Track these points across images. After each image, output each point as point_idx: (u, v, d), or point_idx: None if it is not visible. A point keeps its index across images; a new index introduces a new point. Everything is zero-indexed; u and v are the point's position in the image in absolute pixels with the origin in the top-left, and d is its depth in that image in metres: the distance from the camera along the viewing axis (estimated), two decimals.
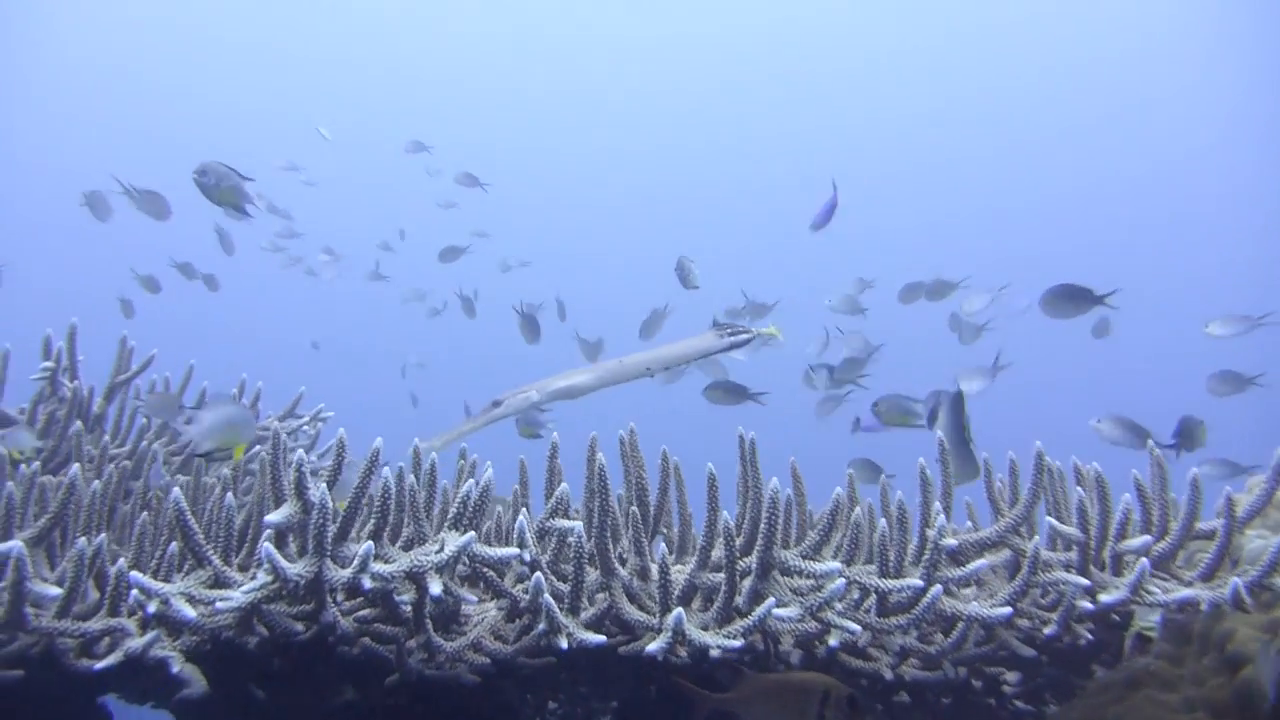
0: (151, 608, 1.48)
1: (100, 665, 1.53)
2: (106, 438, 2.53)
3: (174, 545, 1.72)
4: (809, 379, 4.78)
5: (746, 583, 1.77)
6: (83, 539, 1.60)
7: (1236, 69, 16.74)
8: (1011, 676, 2.16)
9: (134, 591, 1.50)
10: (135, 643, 1.53)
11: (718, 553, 1.91)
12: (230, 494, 1.73)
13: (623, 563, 1.89)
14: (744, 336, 2.96)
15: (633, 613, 1.77)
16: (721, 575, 1.86)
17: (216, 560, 1.62)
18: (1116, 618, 2.01)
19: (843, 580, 1.62)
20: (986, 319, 5.28)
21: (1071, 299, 3.94)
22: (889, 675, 1.91)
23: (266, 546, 1.47)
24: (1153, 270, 18.11)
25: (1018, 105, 19.44)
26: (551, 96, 21.86)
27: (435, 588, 1.52)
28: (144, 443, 2.48)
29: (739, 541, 1.78)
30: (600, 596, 1.82)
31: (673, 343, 3.00)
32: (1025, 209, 19.91)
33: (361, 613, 1.80)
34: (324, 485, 1.55)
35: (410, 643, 1.79)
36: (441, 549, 1.60)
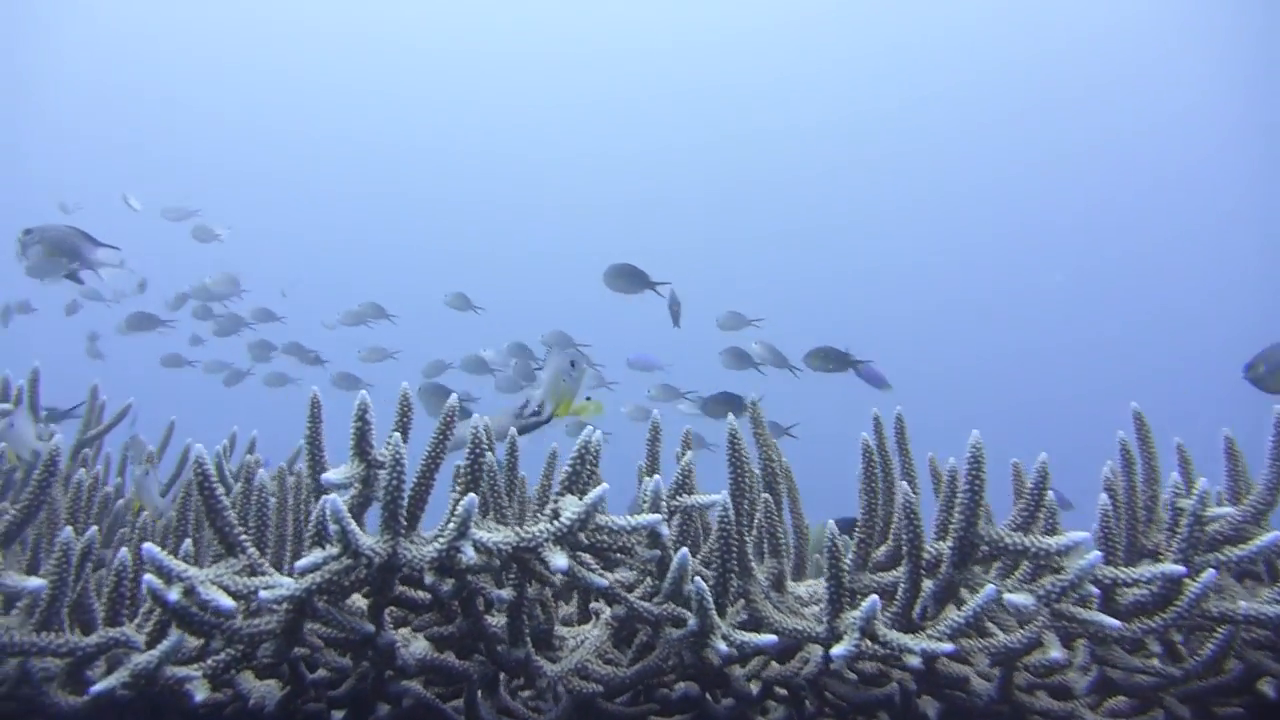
0: (173, 595, 1.06)
1: (97, 688, 1.10)
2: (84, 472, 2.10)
3: (188, 543, 1.31)
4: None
5: (928, 583, 1.38)
6: (69, 528, 1.19)
7: (1212, 73, 16.89)
8: None
9: (147, 578, 1.08)
10: (144, 658, 1.10)
11: (878, 552, 1.53)
12: (264, 471, 1.33)
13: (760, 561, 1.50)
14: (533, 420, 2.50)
15: (784, 619, 1.37)
16: (883, 577, 1.48)
17: (252, 548, 1.21)
18: None
19: (1098, 554, 1.22)
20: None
21: (629, 278, 4.06)
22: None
23: (331, 500, 1.06)
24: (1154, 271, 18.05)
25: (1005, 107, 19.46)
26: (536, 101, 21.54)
27: (560, 560, 1.11)
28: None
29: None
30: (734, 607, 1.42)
31: None
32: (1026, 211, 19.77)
33: (430, 629, 1.37)
34: (397, 437, 1.16)
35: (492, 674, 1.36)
36: (549, 520, 1.21)
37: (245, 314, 5.72)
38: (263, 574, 1.17)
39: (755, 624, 1.39)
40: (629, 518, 1.19)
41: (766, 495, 1.51)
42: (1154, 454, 1.61)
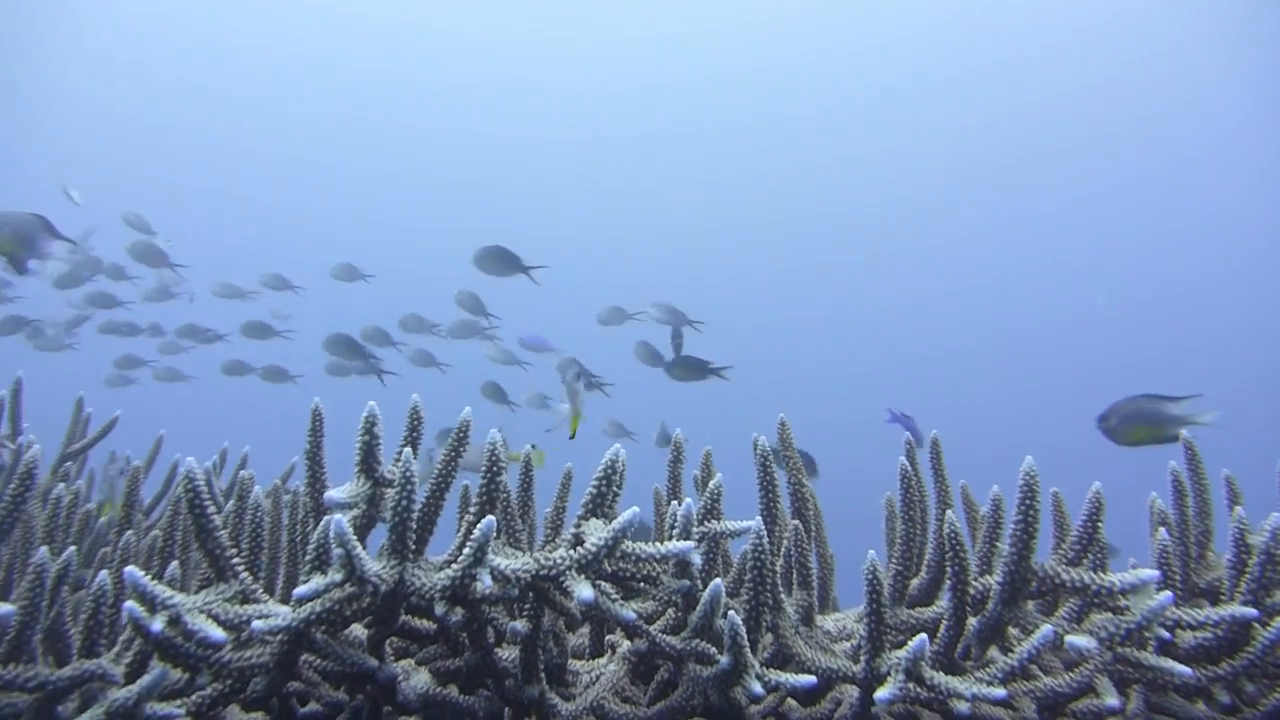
0: (157, 625, 0.96)
1: None
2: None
3: (174, 565, 1.20)
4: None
5: (972, 621, 1.28)
6: (44, 549, 1.08)
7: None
8: None
9: (129, 605, 0.97)
10: (123, 694, 1.00)
11: (916, 581, 1.43)
12: (259, 489, 1.23)
13: (789, 593, 1.39)
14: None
15: (818, 656, 1.26)
16: (922, 613, 1.38)
17: (244, 572, 1.11)
18: None
19: (1168, 594, 1.12)
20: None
21: (501, 260, 4.01)
22: None
23: (336, 521, 0.96)
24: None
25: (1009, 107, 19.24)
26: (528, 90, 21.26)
27: (585, 591, 1.01)
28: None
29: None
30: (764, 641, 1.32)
31: None
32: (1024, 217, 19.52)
33: (435, 663, 1.26)
34: (407, 451, 1.06)
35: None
36: (570, 546, 1.11)
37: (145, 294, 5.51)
38: (256, 601, 1.07)
39: (785, 661, 1.29)
40: (659, 544, 1.09)
41: (796, 522, 1.41)
42: (1206, 486, 1.52)
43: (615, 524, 1.04)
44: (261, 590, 1.12)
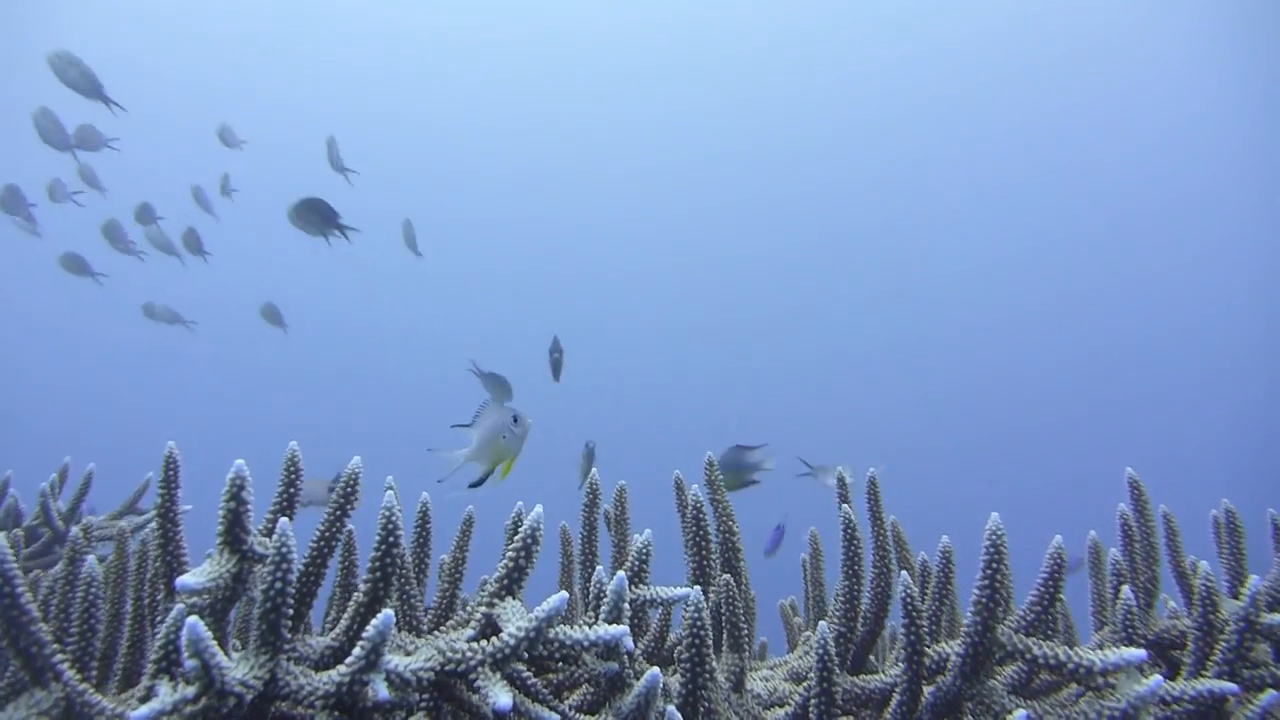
0: None
1: None
2: None
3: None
4: None
5: (927, 690, 1.15)
6: None
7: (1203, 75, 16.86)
8: None
9: None
10: None
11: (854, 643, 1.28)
12: (93, 560, 1.00)
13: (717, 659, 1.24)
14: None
15: None
16: (868, 681, 1.24)
17: (70, 672, 0.88)
18: None
19: (1158, 679, 1.00)
20: None
21: (318, 213, 3.66)
22: None
23: (191, 625, 0.75)
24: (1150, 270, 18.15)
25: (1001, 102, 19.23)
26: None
27: (503, 698, 0.83)
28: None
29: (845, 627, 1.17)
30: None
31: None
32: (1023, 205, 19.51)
33: None
34: (284, 523, 0.85)
35: None
36: (480, 630, 0.93)
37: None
38: (86, 716, 0.85)
39: None
40: (586, 629, 0.91)
41: (727, 576, 1.26)
42: (1152, 529, 1.43)
43: (540, 612, 0.87)
44: (92, 691, 0.90)
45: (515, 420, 1.49)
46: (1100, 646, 1.20)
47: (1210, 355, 16.78)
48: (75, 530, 1.08)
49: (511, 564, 0.93)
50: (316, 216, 3.67)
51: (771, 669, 1.46)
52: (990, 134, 18.75)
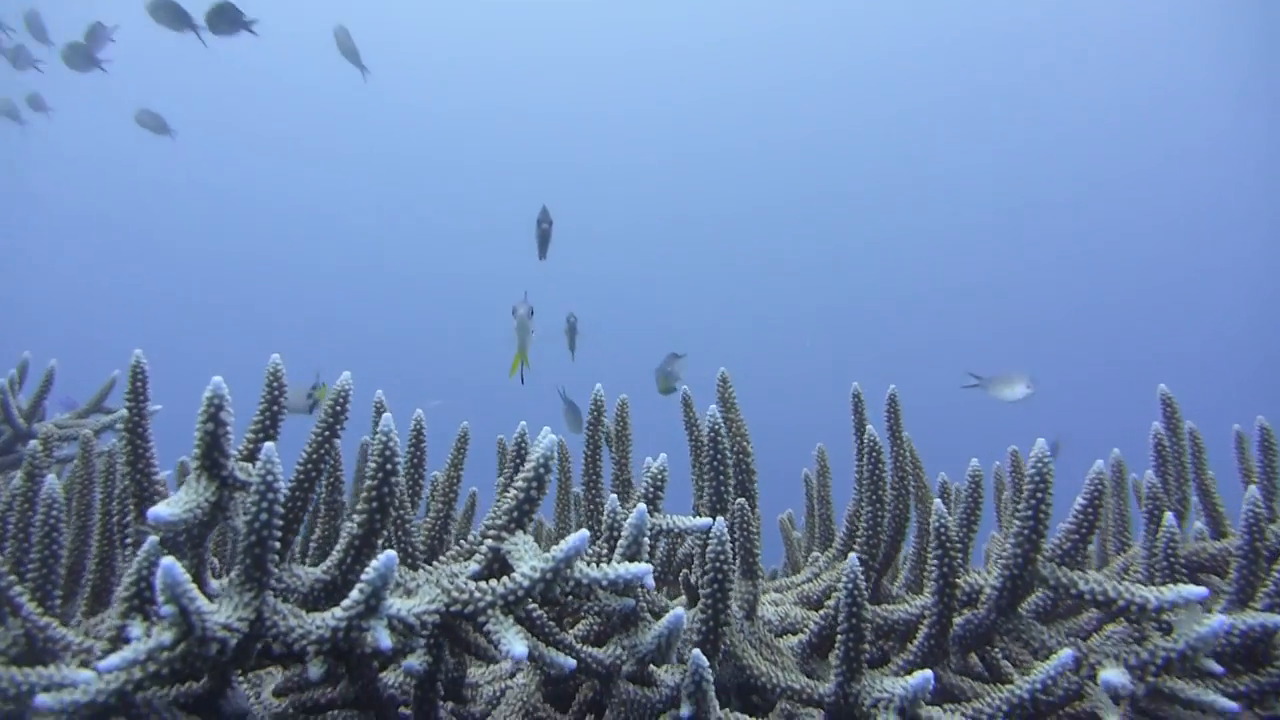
0: None
1: None
2: None
3: None
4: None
5: (957, 621, 1.08)
6: None
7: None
8: None
9: None
10: None
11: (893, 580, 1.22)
12: (53, 479, 0.90)
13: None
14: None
15: (777, 675, 1.04)
16: (892, 611, 1.18)
17: (29, 606, 0.79)
18: None
19: (1221, 619, 0.93)
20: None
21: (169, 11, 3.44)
22: None
23: (167, 566, 0.66)
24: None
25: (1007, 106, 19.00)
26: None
27: (518, 647, 0.74)
28: None
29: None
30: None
31: None
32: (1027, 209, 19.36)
33: (302, 695, 0.98)
34: (269, 447, 0.75)
35: None
36: (486, 565, 0.84)
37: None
38: (48, 654, 0.76)
39: (739, 677, 1.06)
40: (606, 568, 0.82)
41: (741, 500, 1.17)
42: (1184, 448, 1.36)
43: (559, 551, 0.78)
44: (56, 625, 0.81)
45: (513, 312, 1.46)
46: (1149, 580, 1.13)
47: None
48: (34, 444, 0.97)
49: (522, 494, 0.84)
50: (168, 15, 3.42)
51: (780, 591, 1.40)
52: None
